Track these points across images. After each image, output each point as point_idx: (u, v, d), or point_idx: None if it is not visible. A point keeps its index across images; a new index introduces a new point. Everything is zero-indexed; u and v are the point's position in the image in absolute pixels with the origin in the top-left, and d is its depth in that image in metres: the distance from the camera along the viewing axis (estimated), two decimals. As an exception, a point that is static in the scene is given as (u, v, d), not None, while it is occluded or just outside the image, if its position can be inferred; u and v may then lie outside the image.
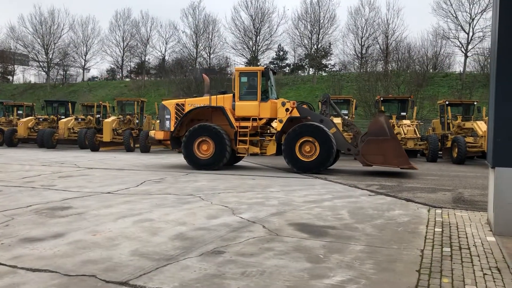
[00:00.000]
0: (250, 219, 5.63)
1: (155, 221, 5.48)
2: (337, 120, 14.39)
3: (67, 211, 5.98)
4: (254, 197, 7.48)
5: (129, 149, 20.46)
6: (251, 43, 47.30)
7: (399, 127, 17.21)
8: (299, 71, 51.84)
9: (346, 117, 16.86)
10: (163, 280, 3.38)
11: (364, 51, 44.36)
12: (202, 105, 12.70)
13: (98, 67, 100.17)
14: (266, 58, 50.74)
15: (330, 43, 46.91)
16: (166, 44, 54.41)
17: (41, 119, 23.45)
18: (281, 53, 52.23)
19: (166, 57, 54.94)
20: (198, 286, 3.28)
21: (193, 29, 49.86)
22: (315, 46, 45.99)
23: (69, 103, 25.02)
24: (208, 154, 12.14)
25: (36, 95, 48.55)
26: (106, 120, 21.23)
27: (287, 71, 52.51)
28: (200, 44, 49.64)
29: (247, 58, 49.08)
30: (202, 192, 7.95)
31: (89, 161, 14.30)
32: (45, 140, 21.32)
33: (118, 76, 60.14)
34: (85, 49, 56.32)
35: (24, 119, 23.03)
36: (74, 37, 55.74)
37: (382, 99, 19.48)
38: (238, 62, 51.52)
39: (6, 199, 6.86)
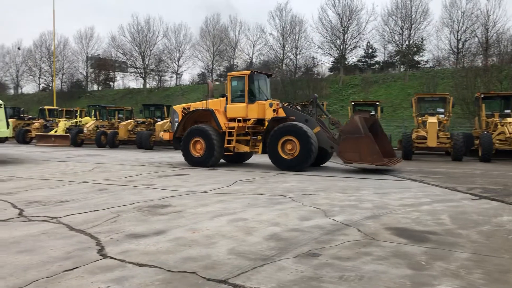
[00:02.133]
0: (344, 222, 5.50)
1: (248, 220, 5.56)
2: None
3: (166, 209, 6.29)
4: (346, 199, 7.31)
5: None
6: (338, 41, 46.46)
7: (502, 125, 15.86)
8: (389, 69, 49.96)
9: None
10: (261, 280, 3.41)
11: (460, 46, 41.51)
12: (195, 109, 14.00)
13: (190, 71, 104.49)
14: (354, 57, 49.61)
15: (422, 39, 44.57)
16: (253, 47, 55.42)
17: (139, 122, 25.13)
18: (370, 50, 50.71)
19: (254, 60, 55.93)
20: (295, 288, 3.26)
21: (280, 31, 50.19)
22: (407, 42, 43.99)
23: (164, 107, 26.45)
24: (201, 152, 13.26)
25: (134, 99, 51.92)
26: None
27: (376, 69, 50.88)
28: (287, 46, 49.81)
29: (334, 57, 48.36)
30: (292, 193, 7.94)
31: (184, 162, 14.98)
32: (143, 141, 22.75)
33: (208, 80, 62.39)
34: (178, 55, 59.16)
35: (124, 122, 24.76)
36: (167, 43, 58.82)
37: (482, 96, 18.09)
38: (325, 62, 51.00)
39: (112, 197, 7.38)
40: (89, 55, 63.60)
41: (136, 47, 58.43)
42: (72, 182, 9.31)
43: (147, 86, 58.49)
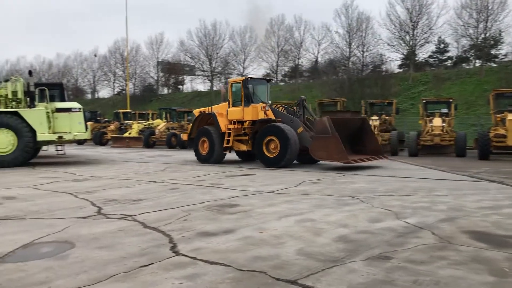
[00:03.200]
0: (417, 225, 5.28)
1: (316, 221, 5.51)
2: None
3: (235, 209, 6.39)
4: (418, 201, 7.02)
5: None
6: (407, 37, 44.89)
7: None
8: (463, 64, 47.42)
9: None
10: (331, 282, 3.36)
11: (544, 36, 38.49)
12: (200, 113, 15.83)
13: (255, 73, 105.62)
14: (424, 52, 47.70)
15: (500, 31, 41.87)
16: (319, 46, 54.94)
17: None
18: (442, 45, 48.48)
19: (319, 59, 55.41)
20: (367, 292, 3.17)
21: (346, 29, 49.35)
22: (482, 35, 41.54)
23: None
24: (206, 151, 14.83)
25: (202, 102, 53.29)
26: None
27: (448, 64, 48.50)
28: (353, 43, 48.85)
29: (403, 53, 46.75)
30: (361, 194, 7.76)
31: (250, 162, 15.16)
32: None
33: (273, 81, 62.69)
34: (243, 57, 60.01)
35: (193, 124, 25.48)
36: (233, 46, 59.87)
37: None
38: (394, 59, 49.41)
39: (183, 196, 7.63)
40: (159, 60, 66.24)
41: (203, 51, 60.02)
42: (146, 182, 9.73)
43: (214, 88, 59.83)
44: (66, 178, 10.72)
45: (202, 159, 14.93)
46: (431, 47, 48.05)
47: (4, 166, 13.58)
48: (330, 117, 12.24)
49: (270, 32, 57.07)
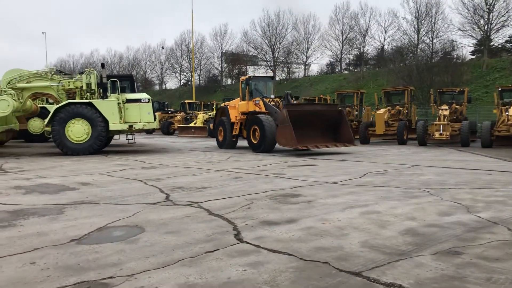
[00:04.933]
0: (491, 219, 5.00)
1: (382, 213, 5.38)
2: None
3: (297, 198, 6.38)
4: (492, 194, 6.63)
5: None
6: (482, 22, 42.25)
7: None
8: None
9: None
10: (397, 275, 3.27)
11: None
12: (219, 106, 18.63)
13: (318, 62, 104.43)
14: (501, 37, 44.66)
15: None
16: (385, 33, 53.30)
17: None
18: (521, 29, 45.11)
19: (385, 46, 53.67)
20: (435, 287, 3.05)
21: (414, 14, 47.34)
22: None
23: (293, 98, 26.77)
24: (222, 138, 17.58)
25: (264, 91, 53.48)
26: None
27: (528, 50, 45.12)
28: (422, 29, 46.83)
29: (476, 38, 44.12)
30: (429, 186, 7.46)
31: (313, 153, 15.05)
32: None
33: (337, 69, 61.63)
34: (306, 45, 59.46)
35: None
36: (296, 35, 59.51)
37: None
38: (466, 45, 46.79)
39: (246, 185, 7.74)
40: (223, 51, 67.30)
41: (266, 41, 60.19)
42: (210, 170, 9.97)
43: (277, 78, 59.87)
44: (136, 165, 11.24)
45: (219, 145, 17.81)
46: (509, 31, 44.93)
47: (80, 154, 14.47)
48: (287, 110, 14.00)
49: (334, 20, 56.02)
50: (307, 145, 14.04)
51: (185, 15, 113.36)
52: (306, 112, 14.75)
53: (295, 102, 17.08)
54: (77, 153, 14.47)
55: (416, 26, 47.23)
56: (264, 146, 15.02)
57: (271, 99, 16.53)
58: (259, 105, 15.93)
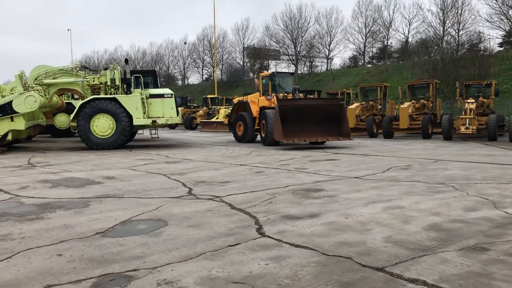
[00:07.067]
0: (519, 215, 4.88)
1: (405, 209, 5.30)
2: None
3: (319, 193, 6.35)
4: (520, 189, 6.47)
5: (372, 135, 20.53)
6: (510, 12, 41.03)
7: None
8: None
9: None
10: (421, 271, 3.22)
11: None
12: (237, 101, 18.92)
13: (340, 55, 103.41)
14: (530, 28, 43.24)
15: None
16: (409, 25, 52.39)
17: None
18: (552, 20, 43.64)
19: (410, 39, 52.77)
20: (461, 283, 3.00)
21: (439, 6, 46.37)
22: None
23: (315, 92, 26.65)
24: (241, 132, 17.78)
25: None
26: (349, 107, 21.80)
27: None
28: (447, 21, 45.83)
29: (505, 30, 42.91)
30: (455, 181, 7.32)
31: (335, 148, 14.93)
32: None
33: (360, 63, 60.91)
34: (329, 39, 58.93)
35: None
36: (319, 29, 59.05)
37: None
38: (494, 36, 45.56)
39: (268, 179, 7.74)
40: (245, 46, 67.27)
41: (288, 35, 59.85)
42: (232, 165, 10.01)
43: (299, 72, 59.56)
44: (159, 160, 11.37)
45: (238, 139, 18.00)
46: (540, 22, 43.50)
47: (104, 148, 14.72)
48: (278, 105, 14.40)
49: (357, 13, 55.33)
50: (294, 139, 14.58)
51: (208, 10, 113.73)
52: (299, 107, 14.99)
53: (298, 97, 17.16)
54: (101, 147, 14.73)
55: (442, 18, 46.25)
56: (267, 140, 15.64)
57: (286, 95, 16.88)
58: (272, 101, 16.35)
